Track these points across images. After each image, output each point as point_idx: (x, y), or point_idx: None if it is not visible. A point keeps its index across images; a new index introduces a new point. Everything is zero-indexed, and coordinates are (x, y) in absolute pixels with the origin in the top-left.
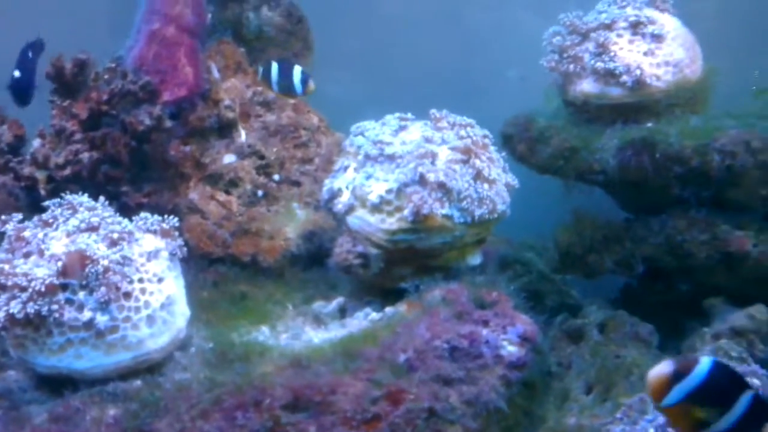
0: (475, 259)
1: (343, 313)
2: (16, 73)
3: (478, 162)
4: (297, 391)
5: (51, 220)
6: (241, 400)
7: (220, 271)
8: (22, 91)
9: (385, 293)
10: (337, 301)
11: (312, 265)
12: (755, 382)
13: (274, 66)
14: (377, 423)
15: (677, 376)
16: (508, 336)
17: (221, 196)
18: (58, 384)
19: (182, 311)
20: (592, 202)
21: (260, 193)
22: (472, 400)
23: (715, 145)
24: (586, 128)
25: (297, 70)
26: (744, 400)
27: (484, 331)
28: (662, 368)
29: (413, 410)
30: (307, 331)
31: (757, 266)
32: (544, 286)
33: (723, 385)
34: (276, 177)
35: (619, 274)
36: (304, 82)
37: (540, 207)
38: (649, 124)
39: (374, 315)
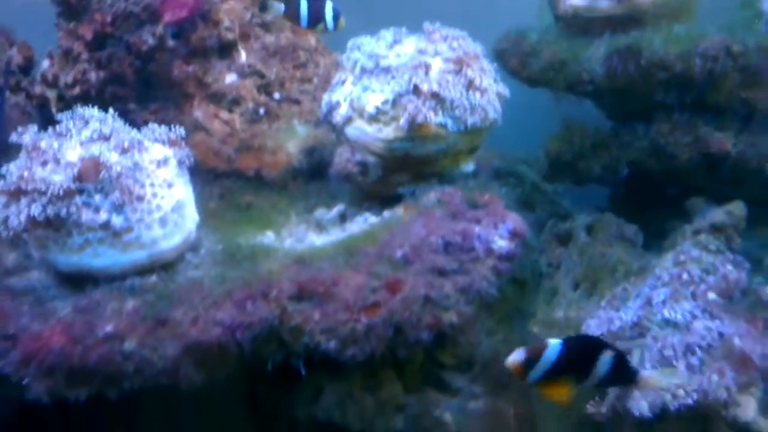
0: (468, 166)
1: (343, 219)
2: None
3: (470, 72)
4: (302, 284)
5: (64, 131)
6: (250, 292)
7: (225, 185)
8: None
9: (384, 200)
10: (338, 208)
11: (313, 178)
12: (728, 267)
13: (303, 3)
14: (377, 309)
15: (530, 362)
16: (499, 231)
17: (224, 115)
18: (78, 282)
19: (192, 215)
20: (582, 115)
21: (262, 111)
22: (466, 288)
23: (697, 51)
24: (576, 41)
25: (329, 6)
26: (605, 359)
27: (477, 228)
28: (515, 357)
29: (410, 298)
30: (309, 236)
31: (735, 165)
32: (536, 197)
33: (577, 357)
34: (276, 96)
35: (605, 178)
36: (336, 18)
37: (531, 125)
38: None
39: (373, 219)
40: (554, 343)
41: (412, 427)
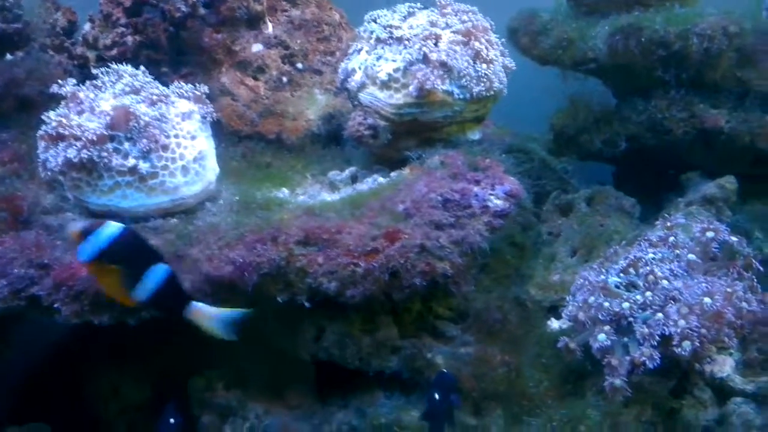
0: (474, 134)
1: (354, 180)
2: None
3: (477, 44)
4: (308, 231)
5: (100, 84)
6: (261, 236)
7: (248, 146)
8: None
9: (393, 164)
10: (350, 169)
11: (330, 143)
12: (705, 226)
13: None
14: (375, 255)
15: (85, 233)
16: (496, 192)
17: (250, 81)
18: None
19: (212, 167)
20: (597, 94)
21: (285, 79)
22: (459, 241)
23: (695, 30)
24: (584, 20)
25: None
26: (158, 271)
27: (475, 188)
28: (74, 225)
29: (407, 246)
30: (322, 194)
31: (729, 141)
32: (545, 173)
33: (130, 252)
34: (299, 66)
35: (605, 152)
36: None
37: (549, 107)
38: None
39: (381, 180)
40: (112, 227)
41: (405, 367)
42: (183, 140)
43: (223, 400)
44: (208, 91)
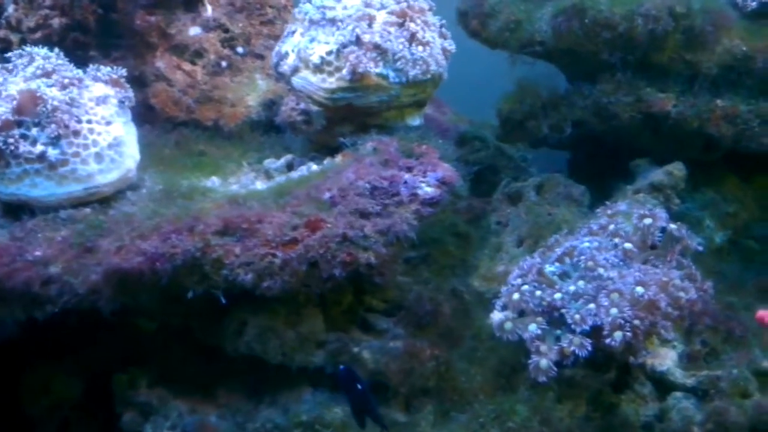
0: (414, 120)
1: (291, 168)
2: None
3: (412, 25)
4: (227, 220)
5: (11, 68)
6: (177, 226)
7: (183, 133)
8: None
9: (330, 151)
10: (285, 157)
11: (270, 130)
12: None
13: None
14: (294, 245)
15: None
16: (427, 179)
17: (186, 66)
18: (21, 213)
19: (131, 154)
20: (543, 76)
21: (224, 64)
22: (384, 230)
23: (640, 11)
24: (532, 2)
25: None
26: None
27: (406, 175)
28: None
29: (328, 236)
30: (256, 183)
31: (676, 126)
32: (500, 161)
33: None
34: (240, 50)
35: (551, 138)
36: None
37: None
38: None
39: (315, 167)
40: None
41: (329, 363)
42: (96, 126)
43: (145, 398)
44: (126, 74)
